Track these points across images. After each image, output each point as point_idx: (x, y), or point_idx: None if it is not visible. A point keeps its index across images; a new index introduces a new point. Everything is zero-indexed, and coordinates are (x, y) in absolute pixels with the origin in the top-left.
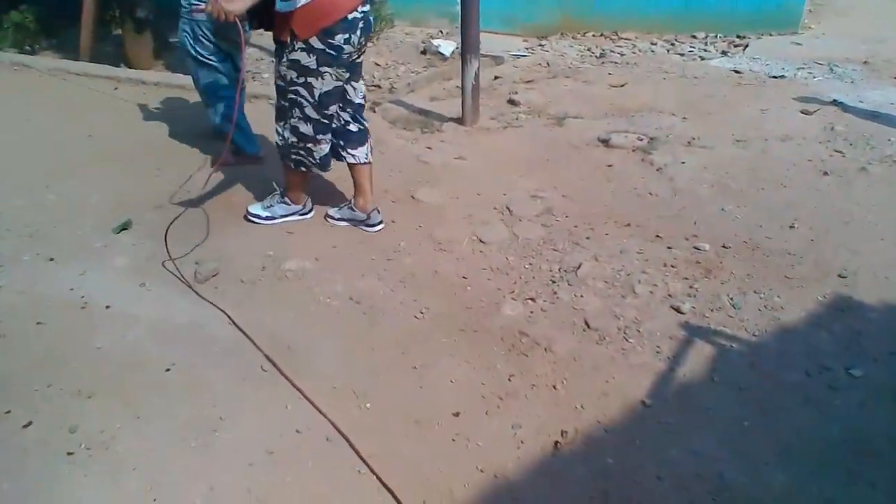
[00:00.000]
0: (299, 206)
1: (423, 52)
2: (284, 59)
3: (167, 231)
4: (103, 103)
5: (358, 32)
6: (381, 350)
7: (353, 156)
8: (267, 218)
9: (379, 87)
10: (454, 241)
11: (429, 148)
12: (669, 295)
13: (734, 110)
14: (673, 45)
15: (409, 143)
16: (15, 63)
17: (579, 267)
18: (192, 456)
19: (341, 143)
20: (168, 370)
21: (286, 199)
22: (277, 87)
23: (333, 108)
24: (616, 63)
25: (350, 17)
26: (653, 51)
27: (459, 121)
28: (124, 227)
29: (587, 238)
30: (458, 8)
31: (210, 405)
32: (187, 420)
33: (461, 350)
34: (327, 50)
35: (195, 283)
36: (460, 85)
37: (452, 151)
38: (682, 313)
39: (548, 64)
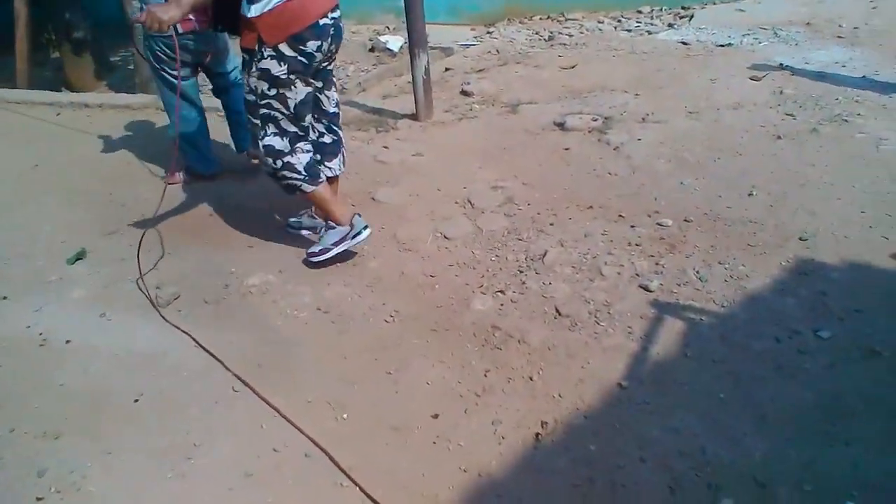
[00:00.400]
0: (346, 228)
1: (372, 50)
2: (254, 69)
3: (139, 251)
4: (46, 131)
5: (329, 39)
6: (353, 358)
7: (329, 168)
8: (321, 252)
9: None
10: (418, 239)
11: (385, 147)
12: (637, 274)
13: (685, 82)
14: (620, 21)
15: (365, 144)
16: None
17: (545, 254)
18: (169, 487)
19: (317, 156)
20: (136, 400)
21: (330, 224)
22: (247, 102)
23: (308, 119)
24: (565, 45)
25: (321, 22)
26: (600, 29)
27: (414, 117)
28: (79, 257)
29: (551, 224)
30: (403, 2)
31: (183, 432)
32: (161, 450)
33: (434, 350)
34: (298, 57)
35: (157, 307)
36: (411, 80)
37: (409, 149)
38: (650, 291)
39: (497, 51)
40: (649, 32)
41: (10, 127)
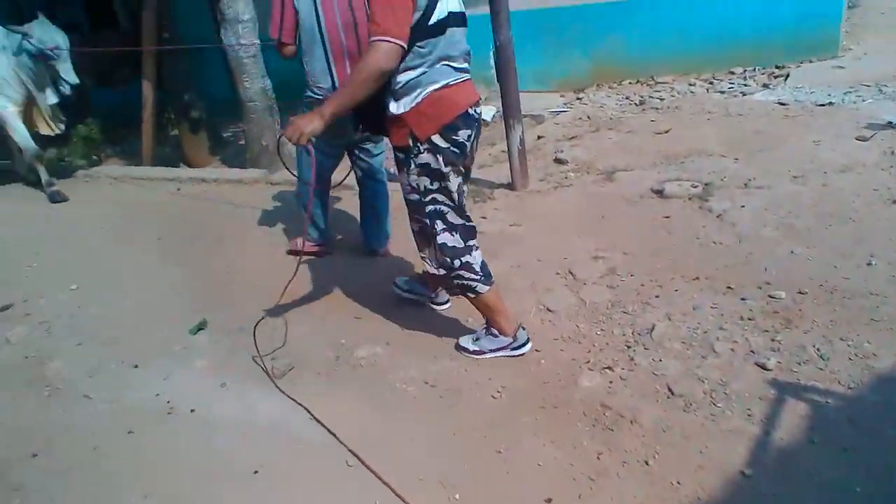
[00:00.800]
0: (509, 339)
1: None
2: (412, 167)
3: (255, 330)
4: (168, 205)
5: (475, 130)
6: (463, 434)
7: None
8: (475, 352)
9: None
10: (521, 312)
11: (483, 217)
12: (752, 351)
13: (786, 145)
14: (712, 83)
15: None
16: (86, 174)
17: (653, 328)
18: None
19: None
20: (256, 472)
21: (492, 331)
22: (410, 202)
23: (467, 209)
24: (657, 109)
25: (469, 112)
26: (692, 92)
27: (510, 186)
28: (200, 328)
29: (656, 296)
30: (493, 72)
31: None
32: None
33: (544, 429)
34: (451, 148)
35: (273, 378)
36: (506, 149)
37: (507, 219)
38: (767, 370)
39: (588, 117)
40: (743, 94)
41: (135, 202)
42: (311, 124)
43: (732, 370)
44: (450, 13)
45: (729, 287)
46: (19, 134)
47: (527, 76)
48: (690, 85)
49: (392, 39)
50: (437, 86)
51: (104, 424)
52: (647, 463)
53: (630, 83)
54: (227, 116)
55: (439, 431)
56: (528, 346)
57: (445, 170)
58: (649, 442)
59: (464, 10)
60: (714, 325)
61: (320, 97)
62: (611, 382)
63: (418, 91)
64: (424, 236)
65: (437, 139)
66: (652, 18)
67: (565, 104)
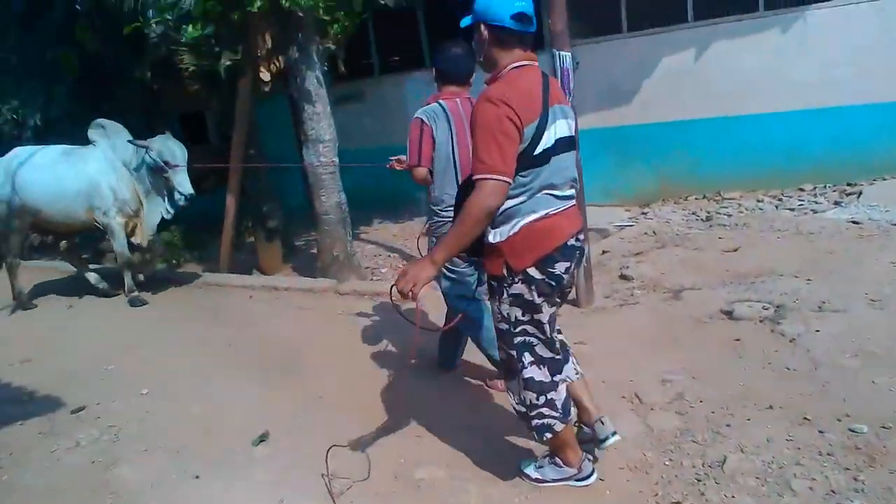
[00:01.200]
0: (573, 470)
1: None
2: (505, 296)
3: (328, 453)
4: (240, 312)
5: (575, 262)
6: None
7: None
8: (536, 479)
9: None
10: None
11: None
12: (833, 491)
13: (861, 266)
14: (780, 200)
15: None
16: (164, 278)
17: (725, 461)
18: None
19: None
20: None
21: (556, 461)
22: (501, 332)
23: (555, 335)
24: (724, 225)
25: (570, 243)
26: (761, 209)
27: (574, 303)
28: (262, 439)
29: (728, 426)
30: None
31: None
32: None
33: None
34: (547, 280)
35: (333, 496)
36: None
37: (572, 336)
38: None
39: (654, 232)
40: (814, 211)
41: (210, 306)
42: (424, 273)
43: None
44: (557, 140)
45: (805, 418)
46: (119, 243)
47: (592, 190)
48: (758, 201)
49: (499, 177)
50: (535, 216)
51: None
52: None
53: (696, 199)
54: (300, 225)
55: None
56: (594, 477)
57: (538, 301)
58: None
59: (573, 133)
60: (790, 460)
61: (448, 221)
62: None
63: (516, 221)
64: (511, 368)
65: (532, 271)
66: (718, 135)
67: (630, 219)
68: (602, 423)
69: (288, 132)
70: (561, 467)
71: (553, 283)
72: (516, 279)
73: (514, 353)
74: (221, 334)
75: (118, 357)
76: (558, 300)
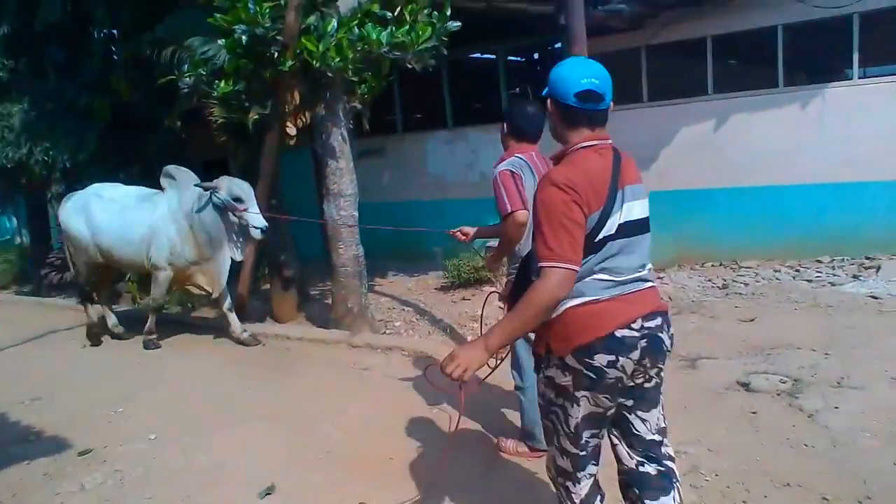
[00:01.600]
0: None
1: None
2: (541, 375)
3: None
4: (252, 360)
5: (634, 354)
6: None
7: None
8: None
9: None
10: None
11: None
12: None
13: (882, 342)
14: (798, 271)
15: None
16: (178, 321)
17: None
18: None
19: (636, 490)
20: None
21: None
22: (539, 406)
23: (593, 443)
24: (741, 294)
25: (620, 334)
26: (777, 279)
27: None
28: (268, 492)
29: (744, 501)
30: None
31: None
32: None
33: None
34: (584, 371)
35: None
36: None
37: None
38: None
39: (670, 298)
40: (832, 284)
41: (221, 353)
42: (476, 361)
43: None
44: (622, 225)
45: (825, 499)
46: (159, 292)
47: None
48: (775, 271)
49: (568, 266)
50: (579, 301)
51: None
52: None
53: (713, 265)
54: (316, 275)
55: None
56: None
57: (573, 392)
58: None
59: (645, 214)
60: None
61: None
62: None
63: (561, 302)
64: (548, 436)
65: (569, 359)
66: (735, 204)
67: None
68: None
69: (308, 183)
70: None
71: (593, 376)
72: (552, 362)
73: (548, 427)
74: (231, 382)
75: (127, 400)
76: (607, 400)
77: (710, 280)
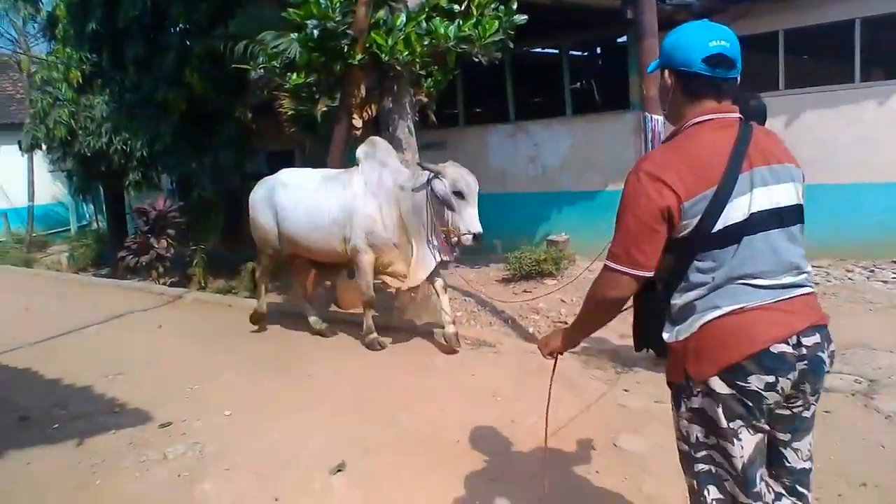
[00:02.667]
0: None
1: None
2: (683, 409)
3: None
4: (319, 345)
5: (792, 375)
6: None
7: None
8: None
9: (566, 324)
10: (666, 497)
11: (626, 390)
12: None
13: None
14: (872, 272)
15: (604, 384)
16: (249, 307)
17: None
18: None
19: None
20: None
21: None
22: (681, 454)
23: (762, 486)
24: None
25: (776, 350)
26: (850, 279)
27: (656, 359)
28: (339, 469)
29: (817, 500)
30: None
31: None
32: None
33: None
34: (739, 396)
35: None
36: None
37: (652, 393)
38: None
39: None
40: None
41: (290, 337)
42: (553, 344)
43: None
44: (755, 214)
45: None
46: (365, 281)
47: None
48: (848, 271)
49: (618, 268)
50: (718, 313)
51: None
52: None
53: None
54: None
55: None
56: None
57: (725, 424)
58: None
59: (792, 202)
60: None
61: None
62: None
63: (693, 318)
64: (692, 495)
65: (714, 383)
66: (808, 202)
67: None
68: None
69: None
70: None
71: (749, 403)
72: (696, 391)
73: (694, 481)
74: (301, 367)
75: (203, 378)
76: (765, 425)
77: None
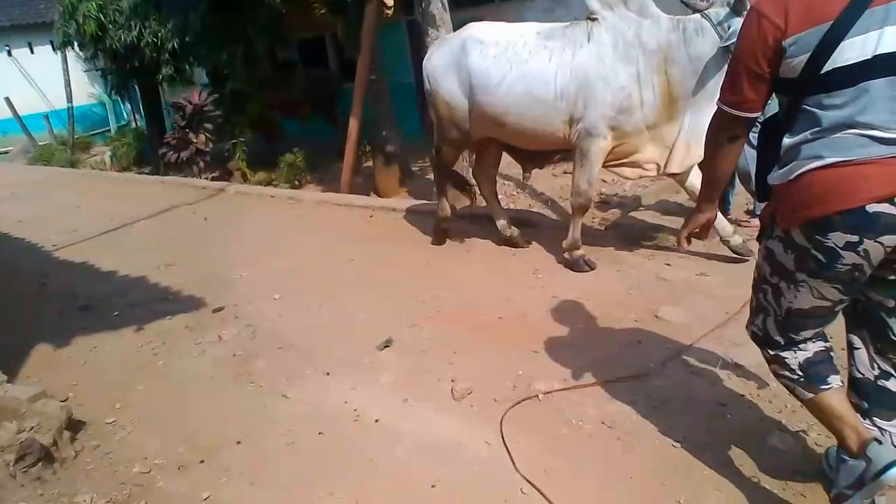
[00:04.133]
0: (861, 463)
1: None
2: (762, 246)
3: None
4: (362, 230)
5: (888, 238)
6: (640, 480)
7: (881, 430)
8: (838, 497)
9: (607, 202)
10: (706, 362)
11: (668, 264)
12: None
13: None
14: None
15: (646, 260)
16: (291, 197)
17: None
18: None
19: (865, 404)
20: (433, 486)
21: (841, 450)
22: (753, 278)
23: (805, 335)
24: None
25: (872, 210)
26: None
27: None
28: (387, 345)
29: None
30: None
31: None
32: None
33: (728, 487)
34: (812, 251)
35: (453, 399)
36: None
37: (694, 267)
38: None
39: None
40: None
41: (332, 224)
42: (697, 217)
43: None
44: (881, 56)
45: None
46: (588, 176)
47: None
48: None
49: (722, 106)
50: (819, 163)
51: (299, 423)
52: None
53: None
54: (416, 152)
55: (616, 472)
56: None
57: (794, 273)
58: None
59: None
60: None
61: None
62: (804, 447)
63: (794, 164)
64: (754, 309)
65: (795, 234)
66: None
67: None
68: (878, 441)
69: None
70: (846, 461)
71: (822, 259)
72: (775, 234)
73: (755, 304)
74: (345, 251)
75: (251, 266)
76: (838, 292)
77: None
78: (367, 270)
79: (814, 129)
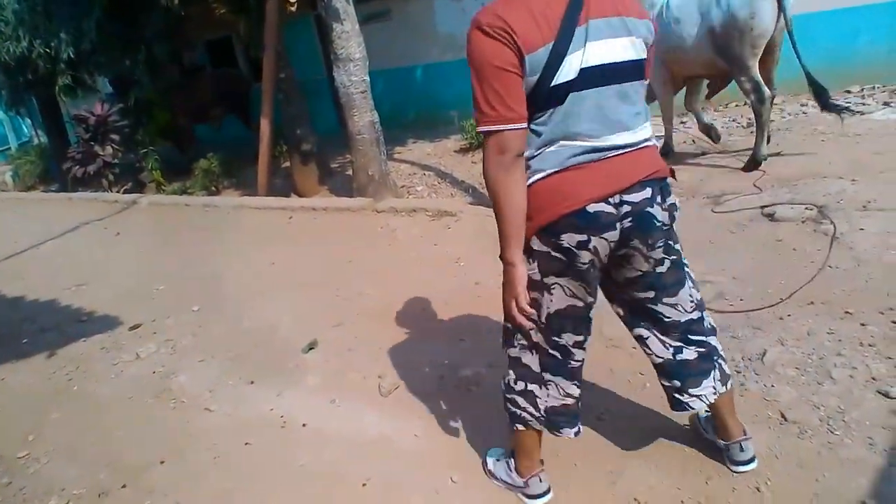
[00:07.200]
0: (521, 482)
1: None
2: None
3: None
4: (281, 233)
5: (611, 234)
6: (567, 456)
7: (698, 397)
8: (489, 472)
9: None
10: (625, 336)
11: None
12: (873, 378)
13: None
14: None
15: None
16: (206, 204)
17: (764, 354)
18: None
19: (676, 382)
20: (364, 484)
21: (510, 463)
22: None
23: (568, 338)
24: None
25: (593, 210)
26: (804, 113)
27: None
28: (311, 347)
29: (768, 322)
30: None
31: None
32: None
33: (651, 455)
34: (552, 253)
35: (380, 396)
36: None
37: None
38: (891, 398)
39: (694, 141)
40: (861, 113)
41: (251, 229)
42: (507, 283)
43: (852, 398)
44: (586, 70)
45: (847, 312)
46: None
47: None
48: (802, 105)
49: (507, 126)
50: (542, 174)
51: (224, 436)
52: (758, 489)
53: (736, 105)
54: (334, 148)
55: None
56: (543, 500)
57: (543, 280)
58: (761, 468)
59: (631, 56)
60: (831, 351)
61: None
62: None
63: (529, 178)
64: (505, 335)
65: (533, 242)
66: None
67: None
68: (742, 448)
69: (314, 56)
70: (510, 472)
71: (564, 259)
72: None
73: (508, 324)
74: (265, 255)
75: (167, 279)
76: (585, 290)
77: (734, 120)
78: (288, 273)
79: (537, 143)
